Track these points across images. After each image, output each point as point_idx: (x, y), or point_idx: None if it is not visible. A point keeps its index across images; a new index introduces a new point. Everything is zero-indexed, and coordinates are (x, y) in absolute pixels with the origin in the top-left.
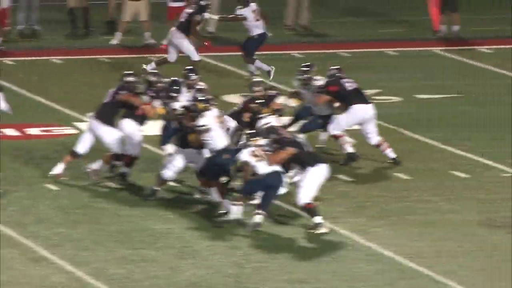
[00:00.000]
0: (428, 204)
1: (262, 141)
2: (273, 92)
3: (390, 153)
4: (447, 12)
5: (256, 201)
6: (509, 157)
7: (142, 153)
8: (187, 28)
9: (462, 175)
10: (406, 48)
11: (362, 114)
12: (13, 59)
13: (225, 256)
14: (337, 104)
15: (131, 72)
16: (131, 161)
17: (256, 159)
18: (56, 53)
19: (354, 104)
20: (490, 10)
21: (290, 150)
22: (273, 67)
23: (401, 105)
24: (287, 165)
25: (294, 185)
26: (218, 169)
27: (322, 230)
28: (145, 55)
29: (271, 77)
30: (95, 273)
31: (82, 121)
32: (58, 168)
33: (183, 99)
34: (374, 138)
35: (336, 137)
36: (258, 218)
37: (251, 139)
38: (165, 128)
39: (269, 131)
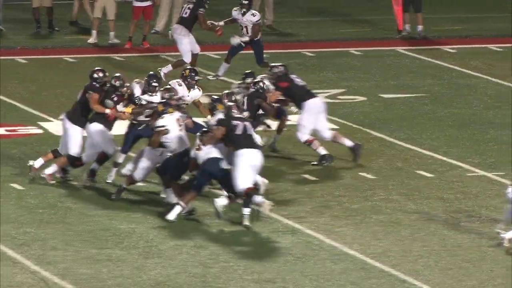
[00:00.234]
0: (393, 203)
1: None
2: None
3: (347, 142)
4: (411, 12)
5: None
6: (474, 157)
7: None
8: (190, 24)
9: (427, 174)
10: (370, 47)
11: (317, 108)
12: None
13: (191, 255)
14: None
15: (100, 68)
16: (104, 158)
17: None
18: (20, 53)
19: (307, 99)
20: (454, 10)
21: (221, 130)
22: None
23: (366, 104)
24: (227, 144)
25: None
26: (176, 171)
27: (246, 222)
28: (109, 55)
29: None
30: (62, 273)
31: (47, 120)
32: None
33: (156, 98)
34: (327, 132)
35: (308, 143)
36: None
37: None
38: (126, 133)
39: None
